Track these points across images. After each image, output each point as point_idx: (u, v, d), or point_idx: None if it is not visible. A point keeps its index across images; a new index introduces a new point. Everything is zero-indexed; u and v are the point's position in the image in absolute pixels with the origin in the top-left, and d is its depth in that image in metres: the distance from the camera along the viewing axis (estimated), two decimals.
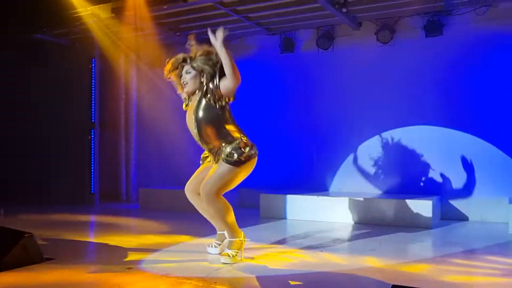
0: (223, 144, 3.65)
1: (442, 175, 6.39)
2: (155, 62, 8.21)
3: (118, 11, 6.55)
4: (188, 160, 6.48)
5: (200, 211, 3.99)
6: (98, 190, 8.16)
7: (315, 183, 7.14)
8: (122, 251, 4.14)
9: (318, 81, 7.22)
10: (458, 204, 6.25)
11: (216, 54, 3.62)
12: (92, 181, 8.10)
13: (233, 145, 3.61)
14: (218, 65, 3.66)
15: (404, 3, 6.17)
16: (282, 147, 7.39)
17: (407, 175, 6.58)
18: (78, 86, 8.01)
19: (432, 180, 6.45)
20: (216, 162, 3.71)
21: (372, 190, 6.71)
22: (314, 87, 7.24)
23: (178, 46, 8.14)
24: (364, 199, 5.96)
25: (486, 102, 6.16)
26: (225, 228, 3.78)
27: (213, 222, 4.01)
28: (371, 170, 6.80)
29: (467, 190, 6.22)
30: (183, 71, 3.74)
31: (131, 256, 3.92)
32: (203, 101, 3.65)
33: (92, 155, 8.09)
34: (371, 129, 6.83)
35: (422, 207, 5.59)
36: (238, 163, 3.58)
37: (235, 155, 3.57)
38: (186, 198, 4.01)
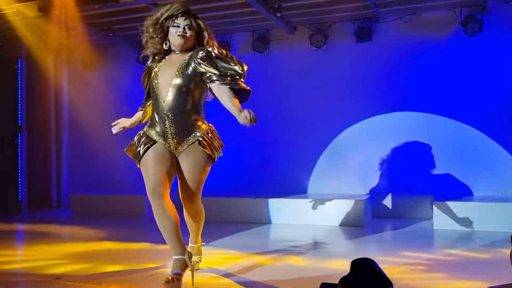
0: (198, 130, 3.06)
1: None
2: (87, 63, 7.95)
3: (45, 9, 6.25)
4: (124, 164, 6.31)
5: (168, 222, 2.98)
6: (26, 197, 7.75)
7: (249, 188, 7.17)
8: (51, 260, 3.96)
9: (256, 84, 7.25)
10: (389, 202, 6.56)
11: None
12: (20, 187, 7.68)
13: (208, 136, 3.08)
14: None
15: (336, 9, 6.37)
16: (240, 152, 7.30)
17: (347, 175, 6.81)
18: (3, 88, 7.57)
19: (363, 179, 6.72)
20: (179, 149, 3.06)
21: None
22: (252, 90, 7.28)
23: (111, 47, 7.97)
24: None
25: (412, 101, 6.53)
26: (197, 233, 3.42)
27: (193, 230, 3.41)
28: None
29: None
30: (183, 24, 3.05)
31: (61, 266, 3.76)
32: (192, 67, 3.01)
33: (19, 160, 7.67)
34: (319, 131, 6.96)
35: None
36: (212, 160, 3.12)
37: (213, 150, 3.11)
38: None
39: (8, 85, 7.60)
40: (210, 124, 3.21)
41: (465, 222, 5.33)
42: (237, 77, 3.04)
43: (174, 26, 3.06)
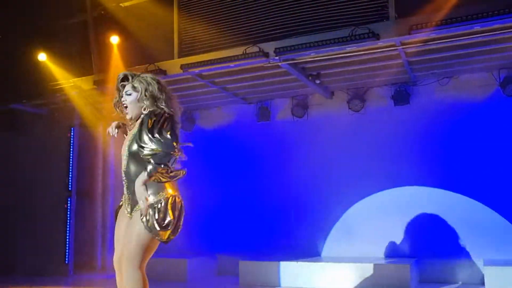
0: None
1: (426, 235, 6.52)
2: None
3: (100, 83, 6.75)
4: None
5: None
6: (72, 260, 7.95)
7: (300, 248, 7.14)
8: None
9: (295, 148, 7.44)
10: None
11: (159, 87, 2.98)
12: (67, 251, 7.90)
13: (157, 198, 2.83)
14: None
15: (373, 74, 6.57)
16: (263, 213, 7.42)
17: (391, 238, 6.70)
18: (56, 155, 8.03)
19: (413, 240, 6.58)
20: (131, 214, 2.92)
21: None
22: (291, 153, 7.45)
23: None
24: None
25: (453, 162, 6.48)
26: None
27: None
28: (362, 233, 6.85)
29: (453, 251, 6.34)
30: (123, 93, 3.02)
31: None
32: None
33: (68, 224, 7.96)
34: (352, 193, 6.97)
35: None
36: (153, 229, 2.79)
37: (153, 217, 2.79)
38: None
39: (61, 151, 8.05)
40: (172, 195, 2.86)
41: None
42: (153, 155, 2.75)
43: (121, 97, 3.03)
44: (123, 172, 2.97)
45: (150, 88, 2.95)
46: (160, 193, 2.83)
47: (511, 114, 6.25)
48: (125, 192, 2.99)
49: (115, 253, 2.95)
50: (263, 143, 7.65)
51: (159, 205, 2.80)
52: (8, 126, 7.96)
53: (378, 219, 6.75)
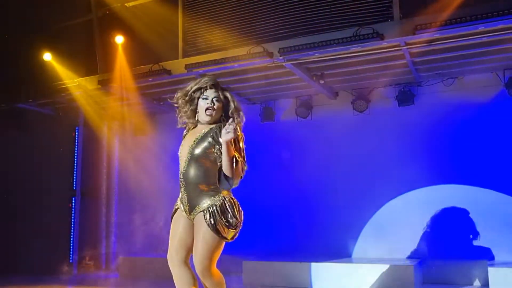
0: (207, 199, 2.97)
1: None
2: (138, 130, 8.38)
3: (104, 82, 6.78)
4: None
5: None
6: (76, 260, 7.97)
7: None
8: None
9: (298, 148, 7.43)
10: None
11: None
12: (71, 250, 7.93)
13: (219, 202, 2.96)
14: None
15: (377, 75, 6.56)
16: (260, 214, 7.39)
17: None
18: (61, 154, 8.06)
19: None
20: (191, 217, 3.03)
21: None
22: (294, 154, 7.44)
23: (160, 114, 8.40)
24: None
25: (458, 162, 6.47)
26: None
27: None
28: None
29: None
30: (211, 97, 3.09)
31: None
32: (209, 139, 3.01)
33: (72, 223, 7.98)
34: (356, 195, 6.94)
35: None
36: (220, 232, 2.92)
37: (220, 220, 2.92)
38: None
39: (66, 151, 8.10)
40: (229, 196, 3.03)
41: None
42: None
43: (203, 99, 3.09)
44: (181, 174, 3.04)
45: (235, 103, 3.17)
46: (219, 195, 2.98)
47: None
48: (182, 194, 3.07)
49: (169, 250, 3.08)
50: (267, 143, 7.65)
51: (220, 206, 2.94)
52: (13, 125, 8.00)
53: (380, 221, 6.73)
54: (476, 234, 6.26)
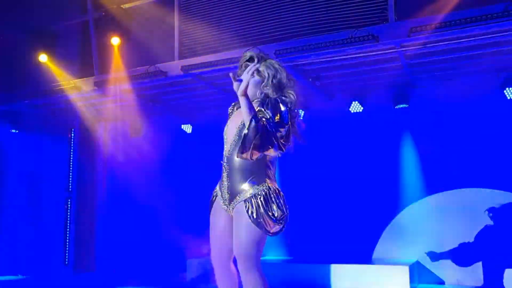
0: (251, 188, 2.67)
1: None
2: (135, 131, 8.37)
3: (100, 84, 6.77)
4: (168, 229, 6.47)
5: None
6: (72, 261, 7.96)
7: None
8: None
9: (294, 150, 7.42)
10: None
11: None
12: (67, 252, 7.92)
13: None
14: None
15: (373, 76, 6.58)
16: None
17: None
18: (57, 155, 8.05)
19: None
20: (231, 206, 2.76)
21: None
22: (289, 155, 7.41)
23: (155, 115, 8.39)
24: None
25: (453, 163, 6.49)
26: None
27: None
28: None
29: None
30: (244, 73, 2.79)
31: None
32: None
33: (68, 225, 7.97)
34: (354, 196, 6.95)
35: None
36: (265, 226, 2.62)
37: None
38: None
39: (62, 152, 8.08)
40: (274, 186, 2.73)
41: None
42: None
43: (239, 76, 2.79)
44: (225, 158, 2.78)
45: (278, 76, 2.79)
46: (263, 184, 2.68)
47: (511, 117, 6.27)
48: (224, 180, 2.78)
49: (212, 250, 2.83)
50: None
51: (265, 196, 2.64)
52: (9, 126, 7.98)
53: (377, 223, 6.75)
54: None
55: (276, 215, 2.64)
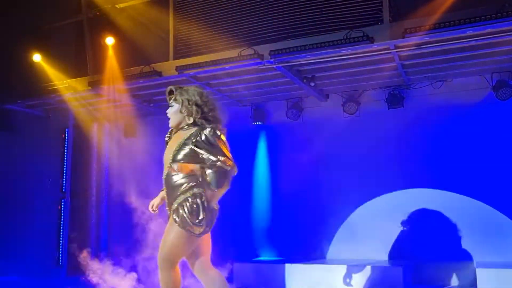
0: (182, 195, 3.13)
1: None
2: (128, 131, 8.35)
3: (95, 84, 6.75)
4: (161, 231, 6.44)
5: None
6: (66, 262, 7.91)
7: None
8: None
9: (289, 150, 7.44)
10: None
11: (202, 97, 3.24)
12: (61, 253, 7.88)
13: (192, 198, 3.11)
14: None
15: (367, 77, 6.61)
16: (256, 215, 7.45)
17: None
18: (51, 156, 8.01)
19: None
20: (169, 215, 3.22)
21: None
22: (285, 156, 7.45)
23: (150, 116, 8.37)
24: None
25: (447, 164, 6.53)
26: None
27: None
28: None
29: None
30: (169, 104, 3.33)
31: None
32: (189, 145, 3.16)
33: (62, 225, 7.93)
34: (347, 197, 6.99)
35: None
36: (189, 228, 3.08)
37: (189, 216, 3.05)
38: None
39: (55, 153, 8.04)
40: (200, 194, 3.13)
41: None
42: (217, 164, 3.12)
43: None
44: (164, 180, 3.23)
45: (194, 98, 3.18)
46: (190, 190, 3.09)
47: (503, 118, 6.31)
48: (166, 195, 3.22)
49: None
50: (257, 145, 7.67)
51: (189, 202, 3.06)
52: (2, 126, 7.93)
53: (374, 222, 6.77)
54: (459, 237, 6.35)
55: (199, 219, 3.06)
